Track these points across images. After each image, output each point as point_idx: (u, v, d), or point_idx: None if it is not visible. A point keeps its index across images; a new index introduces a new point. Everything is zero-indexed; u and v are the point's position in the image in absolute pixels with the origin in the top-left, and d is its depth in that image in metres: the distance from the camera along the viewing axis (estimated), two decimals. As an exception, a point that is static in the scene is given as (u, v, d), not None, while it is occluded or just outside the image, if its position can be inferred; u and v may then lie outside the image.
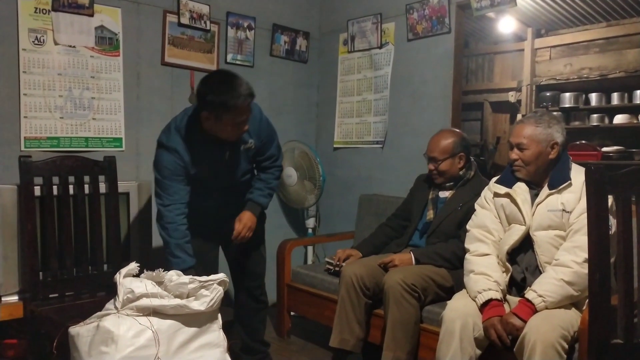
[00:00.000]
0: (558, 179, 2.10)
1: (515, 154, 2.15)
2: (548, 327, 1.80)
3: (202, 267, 2.26)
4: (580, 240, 1.91)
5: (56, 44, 2.77)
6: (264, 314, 2.69)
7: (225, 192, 2.44)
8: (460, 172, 2.63)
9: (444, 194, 2.67)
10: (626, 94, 5.23)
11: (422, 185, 2.79)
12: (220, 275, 1.94)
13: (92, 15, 2.86)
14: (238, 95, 2.11)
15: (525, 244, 2.11)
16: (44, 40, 2.74)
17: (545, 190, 2.11)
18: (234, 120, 2.14)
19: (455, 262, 2.45)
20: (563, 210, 2.04)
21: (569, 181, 2.07)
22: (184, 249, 2.23)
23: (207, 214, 2.41)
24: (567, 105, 5.56)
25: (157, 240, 2.85)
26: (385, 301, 2.35)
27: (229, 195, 2.46)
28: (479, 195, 2.35)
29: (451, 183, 2.65)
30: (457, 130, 2.76)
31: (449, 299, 2.18)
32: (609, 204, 1.65)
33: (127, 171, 2.98)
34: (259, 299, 2.64)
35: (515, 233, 2.12)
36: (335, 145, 3.88)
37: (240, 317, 2.65)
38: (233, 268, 2.61)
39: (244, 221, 2.39)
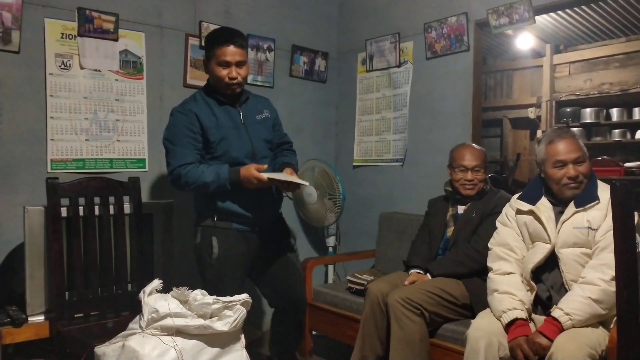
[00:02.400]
0: (586, 197, 2.07)
1: (573, 170, 2.06)
2: (575, 346, 1.77)
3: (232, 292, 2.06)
4: (607, 258, 1.89)
5: (82, 68, 2.84)
6: (301, 327, 2.78)
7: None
8: (483, 187, 2.65)
9: (462, 209, 2.67)
10: (648, 109, 5.19)
11: (437, 207, 2.79)
12: (244, 296, 1.95)
13: (116, 39, 2.93)
14: (224, 34, 2.41)
15: (550, 262, 2.08)
16: (70, 64, 2.81)
17: (571, 208, 2.08)
18: (220, 58, 2.33)
19: (467, 262, 2.45)
20: (589, 227, 2.01)
21: (597, 200, 2.04)
22: (211, 165, 2.35)
23: (243, 203, 2.40)
24: (588, 121, 5.52)
25: (180, 260, 2.88)
26: (388, 319, 2.35)
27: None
28: (492, 205, 2.34)
29: (470, 198, 2.65)
30: (477, 145, 2.79)
31: (469, 316, 2.15)
32: (636, 220, 1.63)
33: (150, 191, 3.03)
34: (298, 305, 2.66)
35: (540, 251, 2.09)
36: (354, 164, 3.90)
37: (277, 329, 2.71)
38: (270, 281, 2.60)
39: (292, 171, 2.45)
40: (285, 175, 2.35)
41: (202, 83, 3.24)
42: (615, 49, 5.38)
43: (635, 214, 1.63)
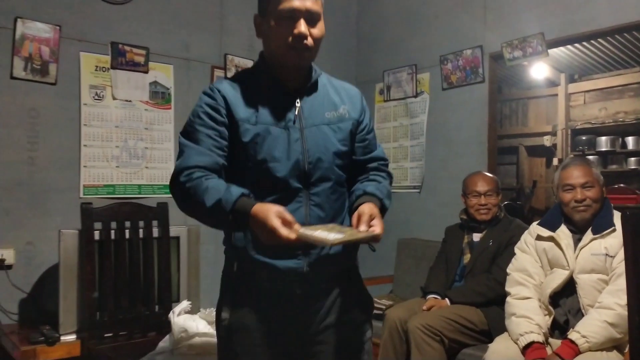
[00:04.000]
0: (602, 224, 2.14)
1: (581, 194, 2.17)
2: (591, 370, 1.82)
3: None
4: (623, 284, 1.92)
5: (114, 98, 3.00)
6: None
7: (303, 203, 1.41)
8: (497, 213, 2.73)
9: (478, 237, 2.74)
10: (664, 137, 5.23)
11: (453, 234, 2.87)
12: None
13: (147, 72, 3.09)
14: None
15: (568, 287, 2.14)
16: (103, 95, 2.97)
17: (589, 235, 2.15)
18: (283, 6, 1.37)
19: (488, 294, 2.51)
20: (606, 254, 2.08)
21: (614, 227, 2.11)
22: (223, 184, 1.32)
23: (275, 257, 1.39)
24: (603, 149, 5.57)
25: (205, 281, 2.97)
26: (407, 345, 2.41)
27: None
28: (509, 232, 2.41)
29: (485, 224, 2.73)
30: (490, 174, 2.90)
31: (486, 342, 2.21)
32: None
33: (176, 216, 3.13)
34: None
35: (559, 277, 2.16)
36: (372, 191, 3.97)
37: None
38: None
39: (369, 211, 1.34)
40: (338, 229, 1.29)
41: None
42: (629, 79, 5.45)
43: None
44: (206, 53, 3.36)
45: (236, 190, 1.27)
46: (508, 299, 2.24)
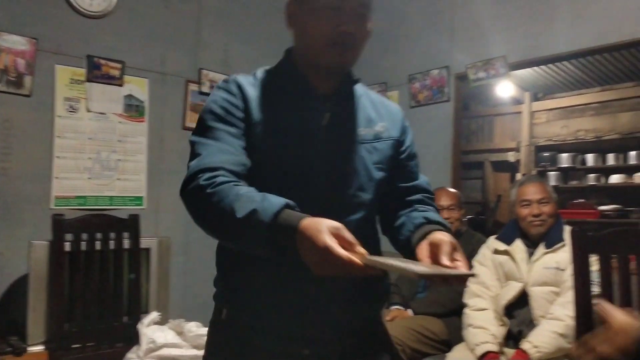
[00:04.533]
0: (554, 239, 2.27)
1: (537, 209, 2.30)
2: (541, 378, 1.93)
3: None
4: (572, 296, 2.07)
5: (88, 111, 3.04)
6: None
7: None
8: (459, 227, 2.85)
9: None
10: (621, 155, 5.47)
11: None
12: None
13: (122, 85, 3.14)
14: None
15: (522, 299, 2.26)
16: (77, 108, 3.01)
17: (541, 249, 2.28)
18: None
19: (449, 305, 2.61)
20: (557, 268, 2.21)
21: (563, 242, 2.24)
22: (258, 192, 1.01)
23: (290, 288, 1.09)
24: (564, 165, 5.78)
25: (175, 293, 3.01)
26: None
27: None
28: (470, 246, 2.53)
29: None
30: (452, 190, 3.02)
31: (446, 351, 2.31)
32: (592, 262, 1.82)
33: (147, 228, 3.17)
34: None
35: (513, 289, 2.27)
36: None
37: None
38: None
39: (450, 240, 1.04)
40: (405, 260, 1.02)
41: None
42: (590, 98, 5.69)
43: (592, 255, 1.82)
44: (181, 67, 3.42)
45: (277, 200, 0.96)
46: (466, 310, 2.35)
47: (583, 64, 4.97)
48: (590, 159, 5.69)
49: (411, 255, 1.08)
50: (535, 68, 5.14)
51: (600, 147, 5.63)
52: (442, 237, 1.04)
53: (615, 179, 5.45)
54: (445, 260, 0.97)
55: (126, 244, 2.74)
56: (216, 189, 1.00)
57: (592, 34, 2.86)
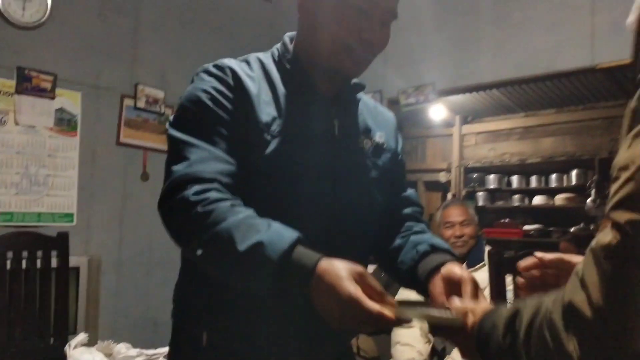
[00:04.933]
0: (475, 259, 2.42)
1: (459, 230, 2.44)
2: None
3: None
4: (490, 314, 2.21)
5: (17, 124, 2.94)
6: None
7: (332, 243, 0.97)
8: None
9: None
10: (543, 177, 5.82)
11: None
12: (167, 349, 2.08)
13: (53, 98, 3.06)
14: None
15: (447, 316, 2.38)
16: (5, 120, 2.91)
17: (463, 268, 2.41)
18: None
19: None
20: (478, 287, 2.34)
21: (484, 262, 2.38)
22: (258, 217, 0.87)
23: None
24: (492, 187, 6.07)
25: (105, 313, 2.94)
26: None
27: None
28: None
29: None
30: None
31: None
32: (508, 281, 1.95)
33: (77, 245, 3.09)
34: None
35: (439, 306, 2.39)
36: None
37: None
38: None
39: (471, 279, 0.96)
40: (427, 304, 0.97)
41: (135, 142, 3.45)
42: (515, 123, 6.02)
43: (508, 276, 1.96)
44: (116, 81, 3.37)
45: (287, 232, 0.81)
46: (394, 328, 2.44)
47: (508, 91, 5.28)
48: (515, 180, 6.01)
49: (416, 287, 1.01)
50: (467, 93, 5.42)
51: (524, 169, 5.96)
52: (459, 272, 0.94)
53: (538, 200, 5.78)
54: (467, 303, 0.87)
55: (54, 262, 2.66)
56: (209, 208, 0.84)
57: (512, 65, 3.07)
